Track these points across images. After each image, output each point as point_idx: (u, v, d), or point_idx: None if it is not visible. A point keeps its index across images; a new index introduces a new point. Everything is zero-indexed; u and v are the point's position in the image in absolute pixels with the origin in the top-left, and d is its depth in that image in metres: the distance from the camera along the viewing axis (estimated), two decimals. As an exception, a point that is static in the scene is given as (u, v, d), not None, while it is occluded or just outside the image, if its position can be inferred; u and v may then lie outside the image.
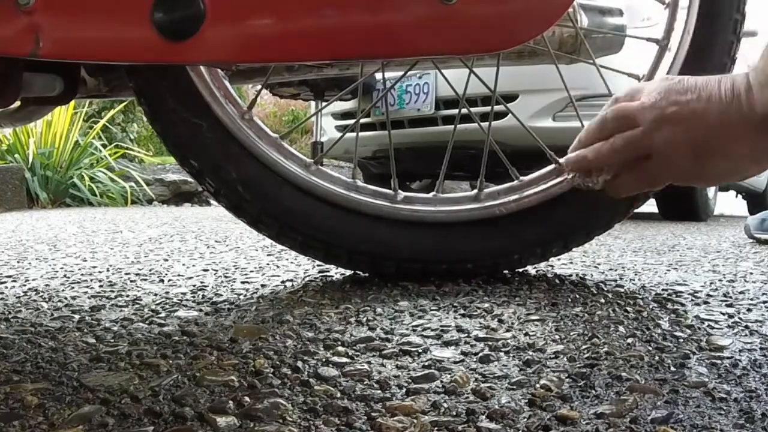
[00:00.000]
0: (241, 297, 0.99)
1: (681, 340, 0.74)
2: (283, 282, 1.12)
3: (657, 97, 0.70)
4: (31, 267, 1.32)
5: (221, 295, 1.01)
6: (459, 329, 0.78)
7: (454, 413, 0.52)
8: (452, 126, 1.21)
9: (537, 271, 1.23)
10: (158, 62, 0.81)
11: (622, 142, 0.75)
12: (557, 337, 0.75)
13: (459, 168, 3.19)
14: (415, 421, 0.50)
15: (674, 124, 0.69)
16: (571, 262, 1.40)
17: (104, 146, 5.08)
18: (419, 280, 1.09)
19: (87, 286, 1.08)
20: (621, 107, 0.76)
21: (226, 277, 1.19)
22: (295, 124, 5.91)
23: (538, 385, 0.58)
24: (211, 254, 1.55)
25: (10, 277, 1.19)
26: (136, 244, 1.80)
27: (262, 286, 1.09)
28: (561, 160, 0.91)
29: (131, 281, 1.14)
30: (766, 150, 0.65)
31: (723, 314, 0.87)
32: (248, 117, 1.06)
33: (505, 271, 1.17)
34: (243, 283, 1.12)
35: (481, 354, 0.68)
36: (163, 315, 0.86)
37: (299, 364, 0.63)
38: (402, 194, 1.12)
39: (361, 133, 3.31)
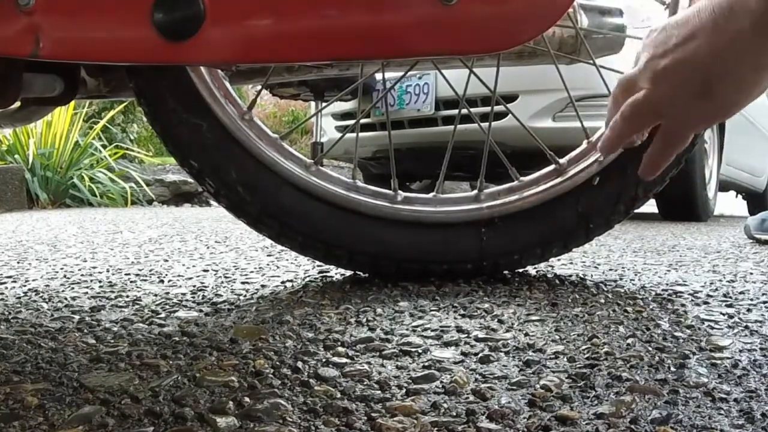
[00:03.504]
0: (241, 297, 0.99)
1: (681, 341, 0.74)
2: (283, 282, 1.12)
3: (648, 55, 0.69)
4: (31, 268, 1.32)
5: (221, 295, 1.01)
6: (459, 330, 0.78)
7: (454, 413, 0.52)
8: (452, 126, 1.21)
9: (537, 272, 1.23)
10: (158, 63, 0.81)
11: (629, 108, 0.72)
12: (557, 337, 0.75)
13: (459, 168, 3.19)
14: (415, 421, 0.50)
15: (670, 76, 0.66)
16: (571, 262, 1.40)
17: (104, 147, 5.08)
18: (419, 280, 1.09)
19: (87, 287, 1.08)
20: (623, 76, 0.75)
21: (226, 277, 1.19)
22: (295, 124, 5.91)
23: (538, 386, 0.58)
24: (211, 255, 1.55)
25: (10, 277, 1.19)
26: (136, 244, 1.80)
27: (262, 286, 1.09)
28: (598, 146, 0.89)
29: (131, 282, 1.14)
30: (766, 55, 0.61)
31: (723, 314, 0.87)
32: (248, 117, 1.06)
33: (505, 271, 1.17)
34: (243, 283, 1.12)
35: (481, 354, 0.68)
36: (163, 315, 0.86)
37: (299, 364, 0.63)
38: (402, 194, 1.12)
39: (361, 134, 3.31)
